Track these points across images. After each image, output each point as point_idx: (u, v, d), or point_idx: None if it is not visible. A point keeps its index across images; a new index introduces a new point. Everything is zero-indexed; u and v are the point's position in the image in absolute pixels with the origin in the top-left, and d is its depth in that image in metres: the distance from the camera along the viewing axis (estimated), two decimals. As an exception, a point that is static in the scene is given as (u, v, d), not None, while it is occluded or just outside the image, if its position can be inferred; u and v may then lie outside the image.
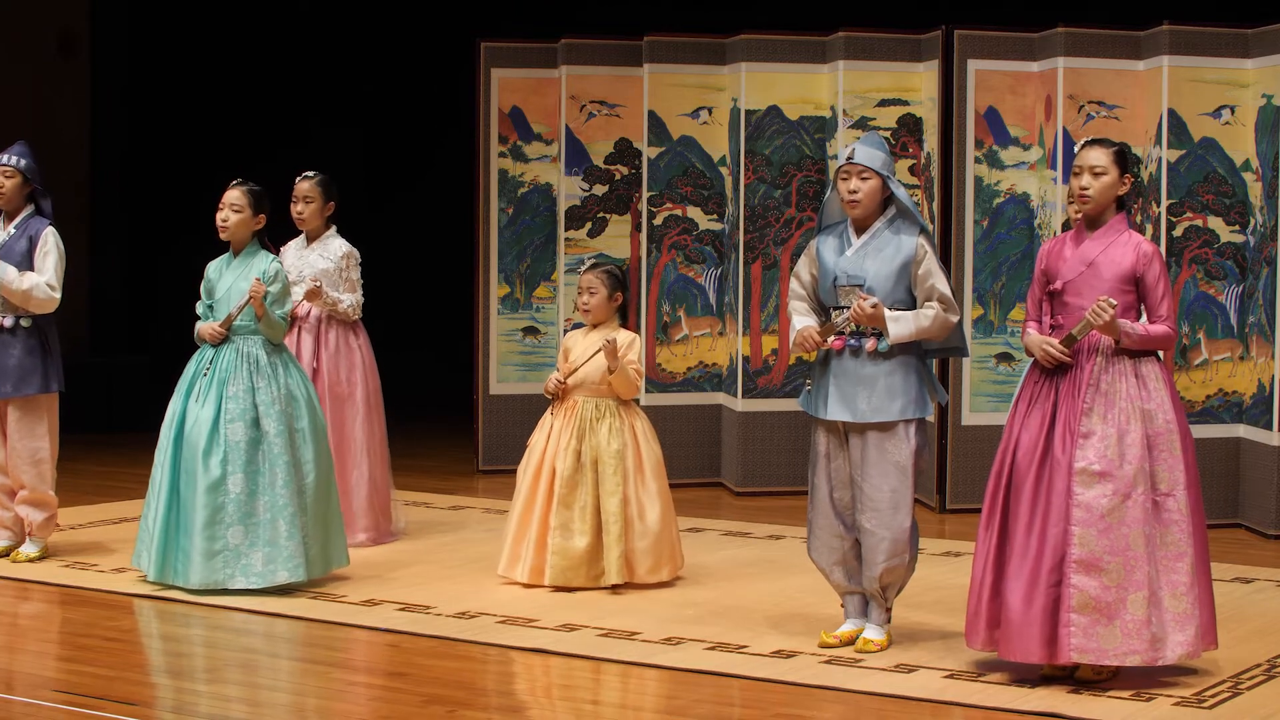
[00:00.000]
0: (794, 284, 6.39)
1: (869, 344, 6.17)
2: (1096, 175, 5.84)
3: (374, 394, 8.42)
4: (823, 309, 6.34)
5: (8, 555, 7.82)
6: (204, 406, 7.20)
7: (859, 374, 6.18)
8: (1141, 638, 5.67)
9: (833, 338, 6.20)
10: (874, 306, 6.08)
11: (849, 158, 6.18)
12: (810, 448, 6.39)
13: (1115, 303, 5.70)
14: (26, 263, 7.65)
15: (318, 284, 8.15)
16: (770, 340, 10.04)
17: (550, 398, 7.46)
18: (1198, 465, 5.90)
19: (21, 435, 7.72)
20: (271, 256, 7.42)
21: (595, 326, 7.44)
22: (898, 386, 6.16)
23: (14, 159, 7.73)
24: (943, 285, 6.15)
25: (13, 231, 7.71)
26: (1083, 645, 5.68)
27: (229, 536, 7.11)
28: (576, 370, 7.35)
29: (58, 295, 7.68)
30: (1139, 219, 9.06)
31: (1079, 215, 6.02)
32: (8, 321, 7.66)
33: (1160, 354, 5.91)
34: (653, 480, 7.36)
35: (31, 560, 7.75)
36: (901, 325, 6.11)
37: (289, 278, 8.28)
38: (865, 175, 6.17)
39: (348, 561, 7.47)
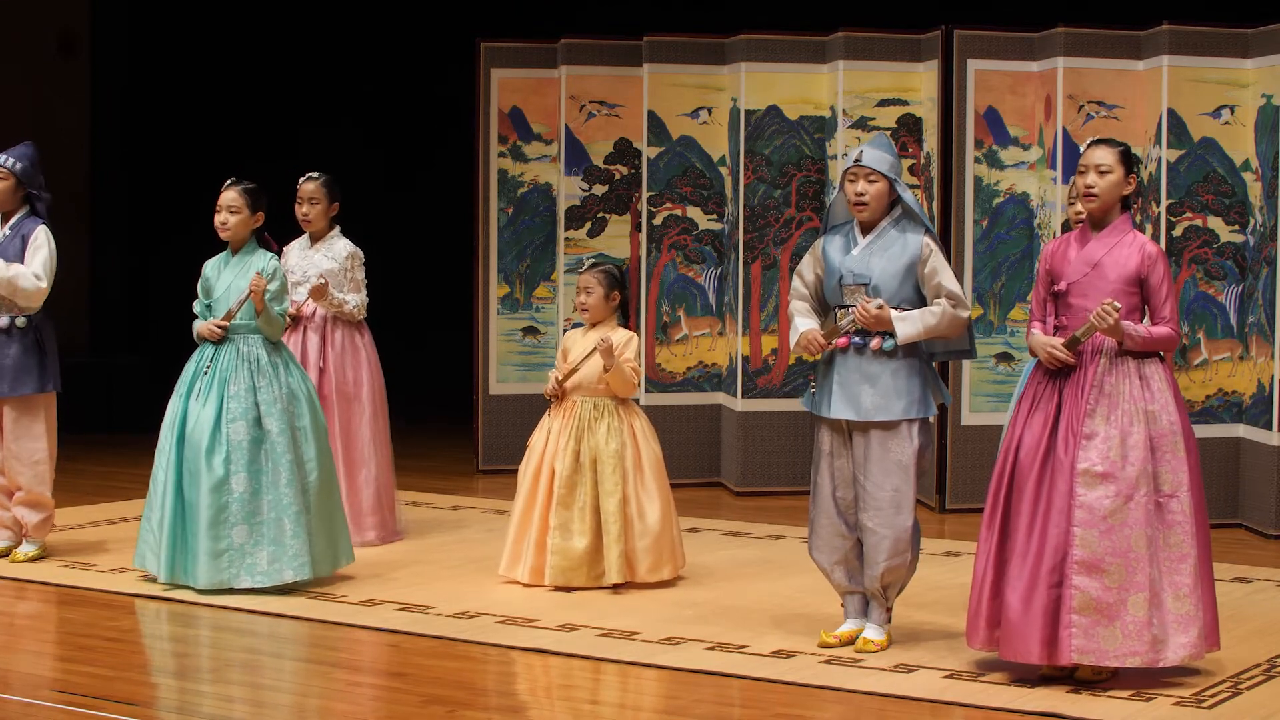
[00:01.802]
0: (796, 283, 6.39)
1: (874, 342, 6.17)
2: (1102, 174, 5.85)
3: (379, 393, 8.43)
4: (825, 309, 6.34)
5: (6, 555, 7.82)
6: (205, 406, 7.20)
7: (863, 372, 6.18)
8: (1142, 639, 5.67)
9: (837, 338, 6.20)
10: (879, 308, 6.08)
11: (857, 160, 6.19)
12: (813, 447, 6.39)
13: (1119, 306, 5.71)
14: (20, 262, 7.64)
15: (323, 281, 8.14)
16: (770, 340, 10.03)
17: (549, 400, 7.47)
18: (1199, 467, 5.88)
19: (18, 435, 7.71)
20: (270, 255, 7.41)
21: (594, 326, 7.44)
22: (902, 385, 6.17)
23: (9, 161, 7.72)
24: (950, 282, 6.16)
25: (7, 232, 7.71)
26: (1084, 646, 5.68)
27: (233, 536, 7.10)
28: (575, 371, 7.36)
29: (45, 285, 7.63)
30: (1139, 219, 9.06)
31: (1081, 215, 6.03)
32: (3, 321, 7.65)
33: (1163, 355, 5.91)
34: (652, 479, 7.36)
35: (30, 560, 7.75)
36: (909, 325, 6.11)
37: (294, 278, 8.30)
38: (873, 178, 6.18)
39: (353, 558, 7.46)
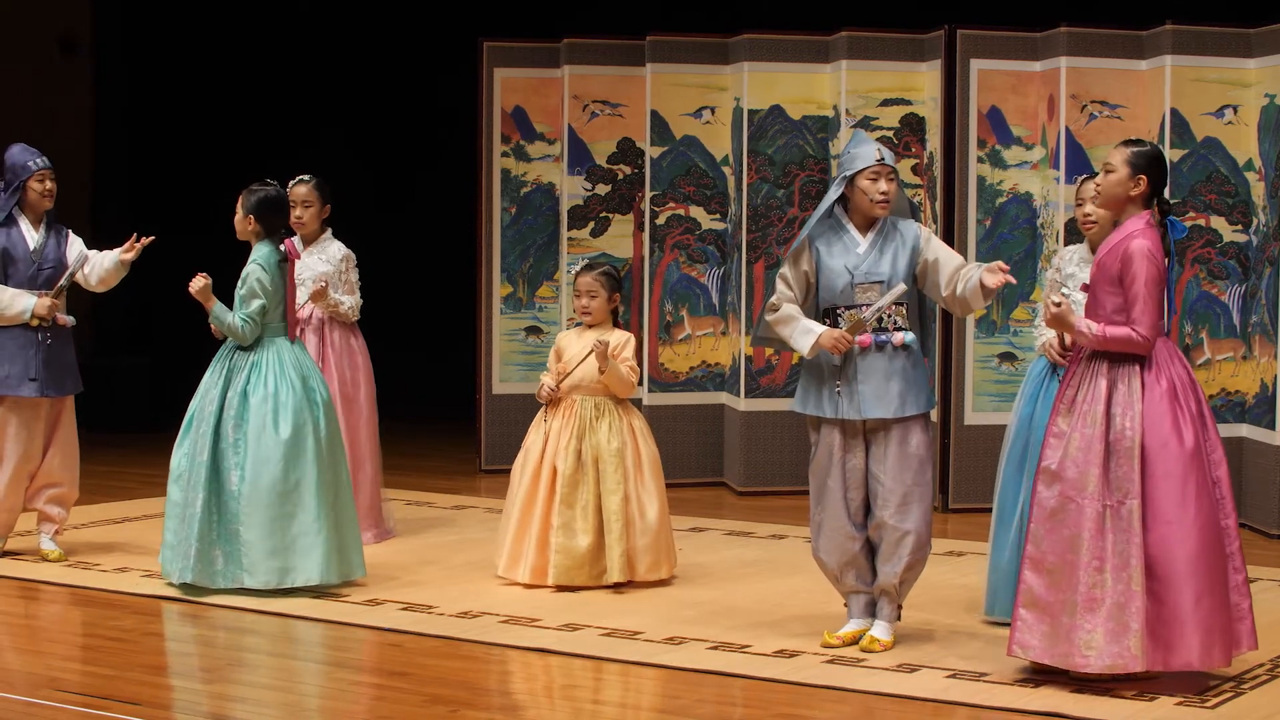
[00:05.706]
0: (781, 286, 6.33)
1: (897, 338, 6.19)
2: (1107, 172, 5.84)
3: (373, 394, 8.47)
4: (815, 309, 6.31)
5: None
6: (236, 407, 7.12)
7: (886, 369, 6.20)
8: (1071, 642, 5.66)
9: (860, 336, 6.20)
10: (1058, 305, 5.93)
11: (880, 159, 6.21)
12: (814, 449, 6.38)
13: (1059, 301, 5.74)
14: (63, 260, 7.86)
15: (323, 284, 8.15)
16: (772, 340, 10.02)
17: (542, 404, 7.46)
18: (1187, 475, 5.67)
19: (70, 431, 7.86)
20: (258, 255, 7.34)
21: (591, 327, 7.45)
22: (920, 380, 6.24)
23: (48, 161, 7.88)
24: (956, 255, 6.31)
25: (44, 231, 7.85)
26: (1025, 640, 5.73)
27: (270, 537, 7.02)
28: (572, 373, 7.36)
29: None
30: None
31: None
32: (71, 320, 7.85)
33: (1151, 360, 5.77)
34: (651, 478, 7.36)
35: (58, 560, 7.73)
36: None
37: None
38: (892, 177, 6.24)
39: (364, 571, 7.37)
